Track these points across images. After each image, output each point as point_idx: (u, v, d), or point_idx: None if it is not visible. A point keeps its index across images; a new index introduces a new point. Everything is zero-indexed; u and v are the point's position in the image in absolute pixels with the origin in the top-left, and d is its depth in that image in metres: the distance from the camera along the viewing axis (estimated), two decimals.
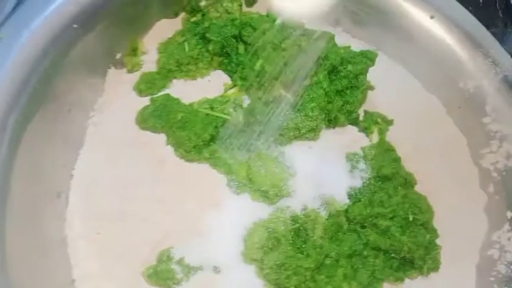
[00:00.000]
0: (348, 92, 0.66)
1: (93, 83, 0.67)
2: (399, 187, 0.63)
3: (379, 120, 0.68)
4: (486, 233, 0.65)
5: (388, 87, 0.72)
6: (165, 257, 0.57)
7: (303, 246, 0.57)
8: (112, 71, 0.68)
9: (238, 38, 0.68)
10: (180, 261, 0.57)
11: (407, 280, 0.61)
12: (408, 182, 0.64)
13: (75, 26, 0.59)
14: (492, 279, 0.61)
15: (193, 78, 0.68)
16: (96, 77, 0.67)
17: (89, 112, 0.66)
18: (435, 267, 0.61)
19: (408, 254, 0.59)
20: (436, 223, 0.63)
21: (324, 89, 0.63)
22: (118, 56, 0.68)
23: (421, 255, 0.59)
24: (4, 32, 0.54)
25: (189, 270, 0.56)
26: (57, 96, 0.61)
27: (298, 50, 0.64)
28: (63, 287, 0.56)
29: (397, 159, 0.65)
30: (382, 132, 0.68)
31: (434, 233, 0.61)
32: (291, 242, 0.57)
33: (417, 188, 0.65)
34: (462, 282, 0.62)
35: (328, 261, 0.57)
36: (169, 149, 0.63)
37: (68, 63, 0.61)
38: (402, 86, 0.73)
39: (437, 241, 0.62)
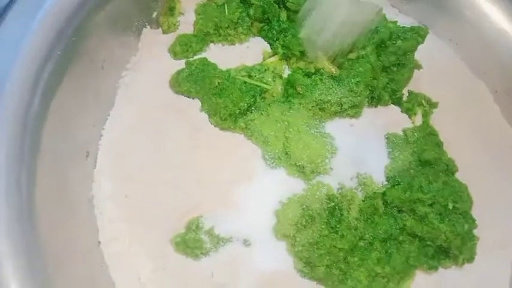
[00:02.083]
0: (395, 69, 0.62)
1: (127, 41, 0.64)
2: (440, 173, 0.60)
3: (423, 102, 0.65)
4: None
5: (435, 68, 0.68)
6: (194, 226, 0.55)
7: (338, 226, 0.55)
8: (147, 30, 0.65)
9: (281, 4, 0.64)
10: (209, 231, 0.55)
11: (440, 269, 0.58)
12: (449, 168, 0.61)
13: None
14: None
15: (232, 43, 0.65)
16: (130, 35, 0.64)
17: (121, 71, 0.64)
18: (470, 258, 0.58)
19: (445, 243, 0.56)
20: (474, 213, 0.60)
21: (371, 64, 0.60)
22: (154, 14, 0.65)
23: (458, 245, 0.57)
24: None
25: (218, 241, 0.55)
26: (90, 51, 0.58)
27: (346, 21, 0.60)
28: (89, 248, 0.55)
29: (439, 144, 0.62)
30: (426, 115, 0.64)
31: (472, 223, 0.59)
32: (325, 220, 0.55)
33: (458, 176, 0.62)
34: (496, 275, 0.60)
35: (362, 244, 0.55)
36: (204, 115, 0.60)
37: (103, 18, 0.59)
38: (449, 68, 0.69)
39: (475, 232, 0.59)
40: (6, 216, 0.46)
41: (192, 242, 0.54)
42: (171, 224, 0.56)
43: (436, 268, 0.57)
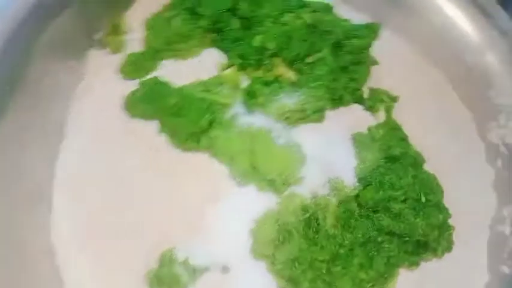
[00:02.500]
0: (353, 68, 0.62)
1: (71, 66, 0.60)
2: (409, 167, 0.60)
3: (384, 97, 0.65)
4: (496, 209, 0.63)
5: (392, 62, 0.67)
6: (167, 259, 0.52)
7: (316, 237, 0.53)
8: (92, 53, 0.62)
9: (232, 11, 0.62)
10: (184, 263, 0.52)
11: (420, 263, 0.58)
12: (417, 161, 0.61)
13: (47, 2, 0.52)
14: (505, 255, 0.60)
15: (184, 58, 0.62)
16: (74, 60, 0.60)
17: (68, 100, 0.60)
18: (448, 247, 0.59)
19: (423, 237, 0.56)
20: (446, 202, 0.61)
21: (329, 66, 0.59)
22: (98, 35, 0.61)
23: (435, 237, 0.57)
24: None
25: (195, 272, 0.52)
26: (31, 83, 0.54)
27: (300, 24, 0.59)
28: None
29: (404, 138, 0.62)
30: (388, 110, 0.64)
31: (446, 212, 0.59)
32: (302, 233, 0.53)
33: (425, 167, 0.63)
34: (475, 260, 0.60)
35: (342, 251, 0.54)
36: (163, 138, 0.57)
37: (41, 45, 0.55)
38: (406, 61, 0.69)
39: (449, 221, 0.60)
40: None
41: (168, 277, 0.51)
42: (143, 260, 0.52)
43: (417, 264, 0.57)
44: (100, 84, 0.60)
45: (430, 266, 0.59)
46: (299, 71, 0.59)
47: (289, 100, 0.57)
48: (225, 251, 0.53)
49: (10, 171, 0.51)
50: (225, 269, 0.53)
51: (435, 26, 0.68)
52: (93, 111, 0.59)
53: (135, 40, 0.62)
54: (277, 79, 0.59)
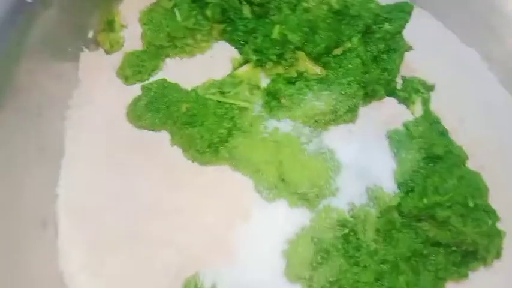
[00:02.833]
0: (386, 57, 0.54)
1: (63, 72, 0.52)
2: (453, 167, 0.53)
3: (419, 87, 0.58)
4: None
5: (424, 45, 0.60)
6: (192, 286, 0.46)
7: (357, 255, 0.48)
8: (85, 54, 0.54)
9: None
10: None
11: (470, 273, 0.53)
12: (461, 159, 0.55)
13: (29, 0, 0.43)
14: None
15: (192, 54, 0.55)
16: (65, 64, 0.53)
17: (64, 111, 0.52)
18: (498, 254, 0.53)
19: (472, 246, 0.51)
20: (493, 202, 0.55)
21: (360, 57, 0.51)
22: (90, 33, 0.53)
23: (485, 245, 0.51)
24: None
25: None
26: (19, 94, 0.47)
27: (325, 11, 0.51)
28: None
29: (445, 133, 0.56)
30: (426, 103, 0.57)
31: (494, 216, 0.53)
32: (342, 252, 0.47)
33: (468, 164, 0.56)
34: None
35: (386, 268, 0.48)
36: (177, 150, 0.51)
37: (27, 49, 0.47)
38: (439, 42, 0.62)
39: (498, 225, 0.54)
40: None
41: None
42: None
43: (466, 275, 0.52)
44: (97, 91, 0.53)
45: (479, 277, 0.53)
46: (326, 65, 0.52)
47: (318, 100, 0.50)
48: (256, 274, 0.48)
49: (10, 197, 0.45)
50: None
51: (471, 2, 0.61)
52: (93, 123, 0.52)
53: (133, 37, 0.54)
54: (302, 76, 0.51)
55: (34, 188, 0.48)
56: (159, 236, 0.48)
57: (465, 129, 0.58)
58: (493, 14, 0.62)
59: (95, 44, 0.54)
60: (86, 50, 0.53)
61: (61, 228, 0.49)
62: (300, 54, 0.51)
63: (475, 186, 0.53)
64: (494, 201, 0.55)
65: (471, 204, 0.51)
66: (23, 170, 0.47)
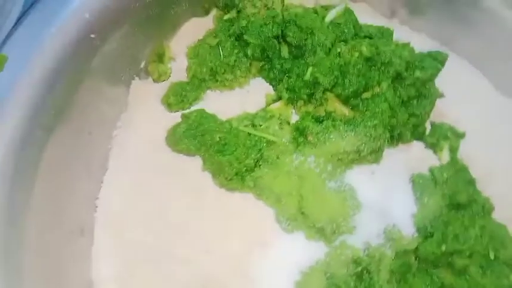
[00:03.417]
0: (415, 102, 0.56)
1: (115, 96, 0.58)
2: (476, 217, 0.53)
3: (448, 133, 0.58)
4: None
5: (457, 92, 0.61)
6: None
7: None
8: (136, 82, 0.59)
9: (281, 38, 0.58)
10: None
11: None
12: (485, 209, 0.55)
13: (92, 36, 0.50)
14: None
15: (231, 88, 0.59)
16: (118, 89, 0.58)
17: (111, 131, 0.58)
18: None
19: None
20: None
21: (388, 102, 0.53)
22: (142, 64, 0.59)
23: None
24: (8, 51, 0.45)
25: None
26: (75, 117, 0.53)
27: (357, 57, 0.54)
28: None
29: (472, 182, 0.56)
30: (453, 150, 0.57)
31: None
32: None
33: (494, 215, 0.56)
34: None
35: None
36: (207, 175, 0.54)
37: (86, 78, 0.53)
38: (473, 90, 0.62)
39: None
40: None
41: None
42: None
43: None
44: (143, 114, 0.58)
45: None
46: (354, 107, 0.54)
47: (343, 139, 0.52)
48: None
49: (53, 205, 0.51)
50: None
51: (507, 47, 0.61)
52: (136, 144, 0.57)
53: (180, 69, 0.59)
54: (330, 115, 0.54)
55: (77, 199, 0.53)
56: (184, 256, 0.52)
57: (494, 180, 0.58)
58: None
59: (146, 73, 0.59)
60: (137, 78, 0.59)
61: (96, 237, 0.53)
62: (330, 95, 0.54)
63: (499, 239, 0.53)
64: None
65: (492, 256, 0.51)
66: (70, 182, 0.52)
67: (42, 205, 0.49)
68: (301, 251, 0.51)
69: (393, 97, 0.54)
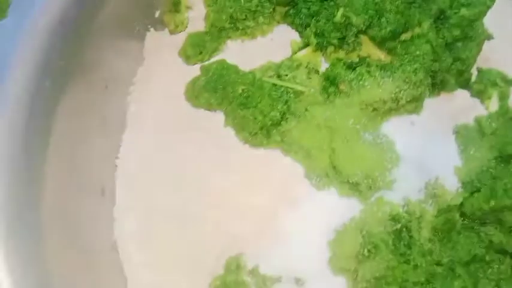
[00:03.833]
0: (460, 44, 0.50)
1: (129, 49, 0.55)
2: None
3: (497, 80, 0.52)
4: None
5: (506, 34, 0.54)
6: (234, 266, 0.48)
7: (408, 252, 0.45)
8: (151, 34, 0.56)
9: None
10: (253, 271, 0.48)
11: None
12: None
13: None
14: None
15: (253, 37, 0.54)
16: (132, 42, 0.55)
17: (128, 86, 0.55)
18: None
19: None
20: None
21: (431, 44, 0.48)
22: (157, 13, 0.55)
23: None
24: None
25: (265, 281, 0.48)
26: (88, 69, 0.50)
27: None
28: None
29: None
30: (503, 97, 0.52)
31: None
32: (392, 248, 0.45)
33: None
34: None
35: (440, 270, 0.45)
36: (230, 131, 0.51)
37: (97, 27, 0.49)
38: None
39: None
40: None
41: (234, 285, 0.47)
42: (208, 266, 0.49)
43: None
44: (160, 68, 0.55)
45: None
46: (391, 51, 0.49)
47: (379, 87, 0.47)
48: (299, 261, 0.48)
49: (71, 164, 0.49)
50: (298, 282, 0.48)
51: None
52: (155, 99, 0.54)
53: (197, 18, 0.55)
54: (363, 61, 0.49)
55: (96, 157, 0.51)
56: (206, 214, 0.50)
57: None
58: None
59: (161, 24, 0.56)
60: (152, 29, 0.55)
61: (118, 197, 0.51)
62: (363, 38, 0.49)
63: None
64: None
65: None
66: (87, 138, 0.50)
67: (60, 163, 0.47)
68: (333, 209, 0.48)
69: (435, 38, 0.48)
